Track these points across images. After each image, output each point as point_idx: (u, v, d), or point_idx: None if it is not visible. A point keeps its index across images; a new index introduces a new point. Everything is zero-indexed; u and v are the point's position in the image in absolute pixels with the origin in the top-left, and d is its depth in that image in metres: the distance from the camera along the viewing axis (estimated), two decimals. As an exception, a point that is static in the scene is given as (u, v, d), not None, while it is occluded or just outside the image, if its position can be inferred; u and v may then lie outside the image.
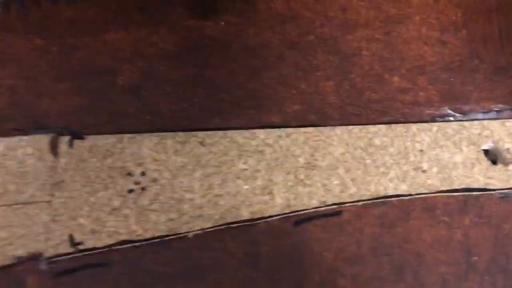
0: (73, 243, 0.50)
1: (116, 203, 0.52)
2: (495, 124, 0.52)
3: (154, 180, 0.52)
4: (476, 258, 0.48)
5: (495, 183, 0.51)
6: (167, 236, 0.50)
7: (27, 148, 0.54)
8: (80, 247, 0.50)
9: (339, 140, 0.53)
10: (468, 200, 0.51)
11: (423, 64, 0.57)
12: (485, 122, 0.53)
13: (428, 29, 0.59)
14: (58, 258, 0.49)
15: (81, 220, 0.51)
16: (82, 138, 0.55)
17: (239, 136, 0.53)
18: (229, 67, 0.58)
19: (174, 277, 0.49)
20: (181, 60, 0.59)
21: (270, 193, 0.51)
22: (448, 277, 0.47)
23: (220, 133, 0.54)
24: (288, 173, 0.52)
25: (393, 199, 0.50)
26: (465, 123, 0.52)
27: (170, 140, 0.54)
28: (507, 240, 0.49)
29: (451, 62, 0.56)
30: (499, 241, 0.49)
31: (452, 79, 0.56)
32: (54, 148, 0.55)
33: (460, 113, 0.54)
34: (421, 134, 0.52)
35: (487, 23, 0.59)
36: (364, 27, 0.59)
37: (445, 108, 0.54)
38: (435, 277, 0.48)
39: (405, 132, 0.52)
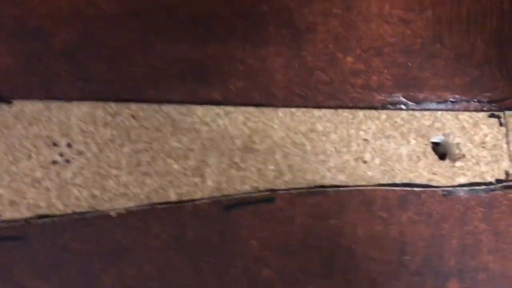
0: (-12, 214, 0.46)
1: (38, 174, 0.48)
2: (448, 116, 0.49)
3: (80, 153, 0.49)
4: (409, 257, 0.46)
5: (439, 180, 0.48)
6: (89, 212, 0.47)
7: None
8: (-4, 218, 0.46)
9: (281, 123, 0.49)
10: (409, 195, 0.48)
11: (381, 45, 0.52)
12: (438, 113, 0.49)
13: (392, 6, 0.54)
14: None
15: (0, 191, 0.48)
16: (9, 103, 0.51)
17: (174, 111, 0.49)
18: (172, 35, 0.53)
19: (93, 255, 0.46)
20: (122, 24, 0.55)
21: (202, 175, 0.48)
22: (377, 276, 0.45)
23: (155, 106, 0.50)
24: (222, 155, 0.49)
25: (329, 189, 0.47)
26: (417, 113, 0.49)
27: (101, 110, 0.50)
28: (443, 241, 0.47)
29: (411, 44, 0.52)
30: (435, 241, 0.47)
31: (409, 63, 0.51)
32: (-24, 112, 0.50)
33: (413, 101, 0.50)
34: (368, 122, 0.49)
35: (456, 4, 0.54)
36: (322, 0, 0.54)
37: (398, 94, 0.50)
38: (363, 274, 0.46)
39: (351, 118, 0.49)
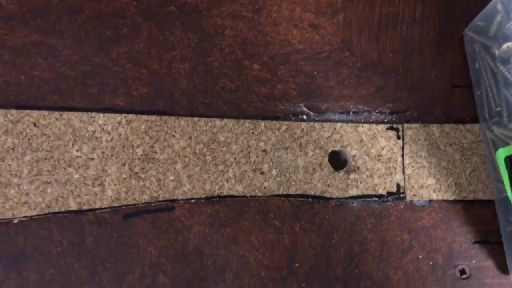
0: None
1: None
2: (347, 128, 0.53)
3: (-19, 161, 0.52)
4: (298, 265, 0.51)
5: (332, 191, 0.52)
6: None
7: None
8: None
9: (182, 132, 0.53)
10: (303, 206, 0.52)
11: (288, 52, 0.55)
12: (338, 124, 0.53)
13: (303, 9, 0.56)
14: None
15: None
16: None
17: (76, 119, 0.52)
18: (76, 36, 0.55)
19: None
20: (24, 24, 0.56)
21: (101, 184, 0.51)
22: (268, 282, 0.51)
23: (56, 113, 0.52)
24: (123, 164, 0.52)
25: (227, 199, 0.51)
26: (316, 125, 0.53)
27: (1, 117, 0.52)
28: (332, 250, 0.52)
29: (319, 52, 0.55)
30: (324, 250, 0.52)
31: (315, 72, 0.55)
32: None
33: (315, 112, 0.54)
34: (268, 133, 0.52)
35: (368, 7, 0.56)
36: (232, 1, 0.55)
37: (301, 105, 0.54)
38: (254, 280, 0.51)
39: (252, 129, 0.52)
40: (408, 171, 0.60)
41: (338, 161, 0.62)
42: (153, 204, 0.59)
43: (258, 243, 0.60)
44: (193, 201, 0.59)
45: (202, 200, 0.59)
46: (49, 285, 0.58)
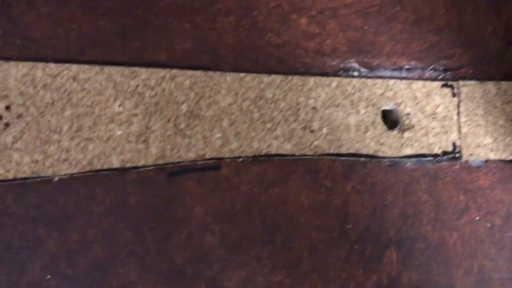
0: None
1: None
2: (401, 85, 0.50)
3: (20, 116, 0.49)
4: (350, 226, 0.48)
5: (386, 151, 0.50)
6: (31, 178, 0.48)
7: None
8: None
9: (228, 88, 0.50)
10: (354, 166, 0.50)
11: (337, 6, 0.53)
12: (391, 81, 0.51)
13: None
14: None
15: None
16: None
17: (117, 73, 0.50)
18: None
19: (36, 219, 0.49)
20: None
21: (145, 141, 0.49)
22: (318, 244, 0.49)
23: (97, 68, 0.50)
24: (167, 121, 0.50)
25: (275, 158, 0.49)
26: (368, 81, 0.50)
27: (40, 71, 0.50)
28: (385, 211, 0.50)
29: (369, 6, 0.52)
30: (377, 211, 0.50)
31: (366, 27, 0.52)
32: None
33: (366, 68, 0.51)
34: (318, 89, 0.50)
35: None
36: None
37: (351, 60, 0.52)
38: (305, 241, 0.50)
39: (301, 85, 0.50)
40: (464, 130, 0.58)
41: (389, 119, 0.60)
42: (199, 162, 0.57)
43: (308, 204, 0.58)
44: (240, 159, 0.57)
45: (250, 159, 0.57)
46: (92, 245, 0.55)
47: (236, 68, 0.59)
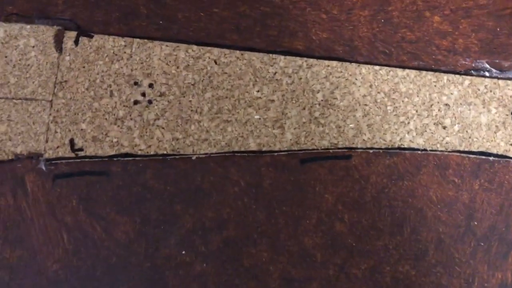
0: (73, 148, 0.51)
1: (121, 113, 0.52)
2: None
3: (162, 95, 0.52)
4: (476, 223, 0.50)
5: None
6: (171, 155, 0.50)
7: (30, 39, 0.53)
8: (80, 153, 0.50)
9: (363, 80, 0.52)
10: (483, 164, 0.52)
11: (471, 6, 0.54)
12: None
13: None
14: (57, 161, 0.50)
15: (83, 126, 0.51)
16: (90, 36, 0.53)
17: (257, 59, 0.52)
18: None
19: (173, 195, 0.51)
20: None
21: (281, 127, 0.51)
22: (445, 237, 0.51)
23: (237, 53, 0.52)
24: (303, 109, 0.51)
25: (406, 151, 0.50)
26: (500, 82, 0.52)
27: (183, 52, 0.52)
28: None
29: (503, 8, 0.54)
30: (503, 210, 0.51)
31: (498, 29, 0.53)
32: (58, 43, 0.53)
33: (497, 69, 0.53)
34: (451, 87, 0.52)
35: None
36: None
37: (483, 61, 0.53)
38: (432, 235, 0.51)
39: (435, 81, 0.52)
40: None
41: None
42: (330, 150, 0.59)
43: (437, 198, 0.59)
44: (371, 151, 0.58)
45: (381, 151, 0.58)
46: (226, 224, 0.57)
47: (369, 61, 0.61)
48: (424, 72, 0.60)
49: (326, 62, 0.60)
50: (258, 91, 0.59)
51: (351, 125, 0.59)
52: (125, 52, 0.58)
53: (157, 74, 0.58)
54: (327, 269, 0.57)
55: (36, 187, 0.56)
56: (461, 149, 0.59)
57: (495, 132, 0.60)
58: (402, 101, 0.60)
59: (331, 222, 0.58)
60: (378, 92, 0.60)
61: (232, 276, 0.56)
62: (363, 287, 0.57)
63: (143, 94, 0.58)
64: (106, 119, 0.58)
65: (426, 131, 0.59)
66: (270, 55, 0.59)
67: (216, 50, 0.59)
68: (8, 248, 0.56)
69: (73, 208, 0.56)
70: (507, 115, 0.60)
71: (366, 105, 0.59)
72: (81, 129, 0.57)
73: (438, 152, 0.59)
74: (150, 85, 0.58)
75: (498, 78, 0.61)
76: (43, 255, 0.56)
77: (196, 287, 0.56)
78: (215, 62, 0.59)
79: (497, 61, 0.62)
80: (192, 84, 0.59)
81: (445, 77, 0.60)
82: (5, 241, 0.56)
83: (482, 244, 0.59)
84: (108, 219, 0.57)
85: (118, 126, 0.58)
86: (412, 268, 0.58)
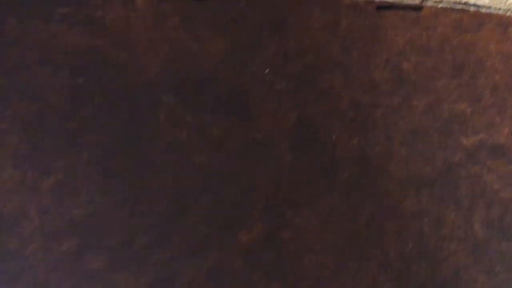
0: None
1: None
2: None
3: None
4: None
5: None
6: None
7: None
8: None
9: None
10: None
11: None
12: None
13: None
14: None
15: None
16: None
17: None
18: None
19: (262, 22, 0.58)
20: None
21: None
22: (500, 84, 0.57)
23: None
24: None
25: (471, 8, 0.58)
26: None
27: None
28: None
29: None
30: None
31: None
32: None
33: None
34: None
35: None
36: None
37: None
38: (488, 81, 0.58)
39: None
40: None
41: None
42: (404, 1, 0.67)
43: (495, 51, 0.66)
44: (440, 6, 0.66)
45: (449, 6, 0.66)
46: (305, 53, 0.66)
47: None
48: None
49: None
50: None
51: (424, -19, 0.67)
52: None
53: None
54: (391, 99, 0.65)
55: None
56: (522, 10, 0.67)
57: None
58: (472, -35, 0.68)
59: (399, 61, 0.66)
60: (451, -44, 0.68)
61: (307, 96, 0.64)
62: (423, 118, 0.64)
63: None
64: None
65: (491, -8, 0.67)
66: None
67: None
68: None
69: (175, 26, 0.65)
70: None
71: (439, -35, 0.68)
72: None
73: (500, 12, 0.66)
74: None
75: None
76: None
77: (275, 103, 0.64)
78: None
79: None
80: None
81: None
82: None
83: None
84: (205, 38, 0.65)
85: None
86: (468, 106, 0.65)
